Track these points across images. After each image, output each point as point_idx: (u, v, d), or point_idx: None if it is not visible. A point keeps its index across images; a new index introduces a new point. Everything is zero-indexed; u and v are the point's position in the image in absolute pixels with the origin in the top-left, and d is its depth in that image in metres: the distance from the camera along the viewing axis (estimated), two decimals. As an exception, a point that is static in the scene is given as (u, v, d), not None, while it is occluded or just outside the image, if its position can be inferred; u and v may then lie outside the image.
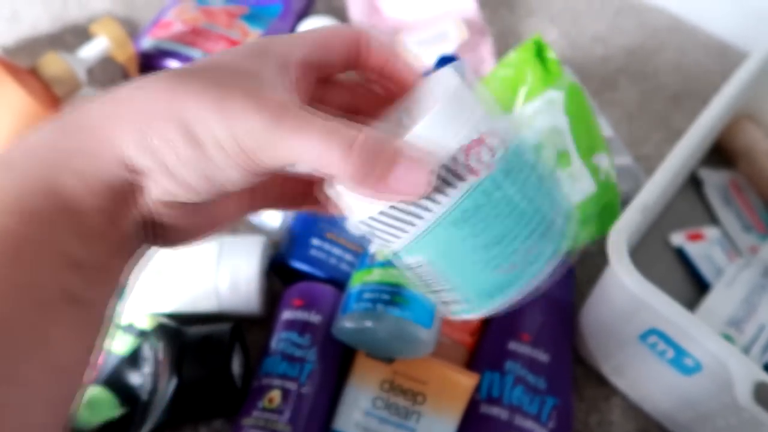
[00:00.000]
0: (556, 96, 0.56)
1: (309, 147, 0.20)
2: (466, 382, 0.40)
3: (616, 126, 0.68)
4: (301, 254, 0.45)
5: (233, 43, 0.56)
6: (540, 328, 0.45)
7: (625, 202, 0.56)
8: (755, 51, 0.57)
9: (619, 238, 0.39)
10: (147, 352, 0.39)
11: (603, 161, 0.50)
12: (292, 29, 0.61)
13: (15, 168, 0.20)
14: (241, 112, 0.20)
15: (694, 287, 0.54)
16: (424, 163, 0.21)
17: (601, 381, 0.48)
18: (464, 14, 0.68)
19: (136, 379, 0.39)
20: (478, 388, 0.42)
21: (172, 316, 0.42)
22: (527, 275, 0.24)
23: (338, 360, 0.42)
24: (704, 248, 0.57)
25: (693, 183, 0.62)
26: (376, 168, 0.20)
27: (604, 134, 0.60)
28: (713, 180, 0.62)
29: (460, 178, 0.22)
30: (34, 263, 0.19)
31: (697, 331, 0.37)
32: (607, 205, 0.49)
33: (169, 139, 0.20)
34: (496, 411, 0.41)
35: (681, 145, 0.46)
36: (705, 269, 0.54)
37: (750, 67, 0.55)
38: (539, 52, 0.56)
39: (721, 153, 0.64)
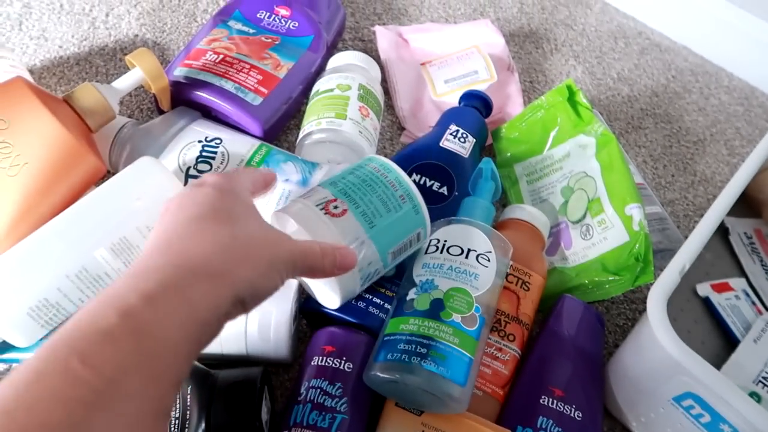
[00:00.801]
0: (587, 141, 0.56)
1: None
2: (499, 438, 0.40)
3: (641, 168, 0.67)
4: (331, 297, 0.45)
5: (265, 74, 0.56)
6: (571, 382, 0.44)
7: (655, 251, 0.56)
8: None
9: (658, 299, 0.39)
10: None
11: (636, 212, 0.49)
12: (325, 60, 0.61)
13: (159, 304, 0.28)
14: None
15: (720, 338, 0.54)
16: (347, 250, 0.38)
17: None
18: (492, 50, 0.68)
19: (163, 423, 0.38)
20: (510, 446, 0.41)
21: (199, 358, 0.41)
22: None
23: (369, 409, 0.41)
24: (731, 300, 0.56)
25: (719, 230, 0.62)
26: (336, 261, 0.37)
27: (636, 181, 0.60)
28: (739, 228, 0.62)
29: None
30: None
31: (735, 398, 0.36)
32: (640, 256, 0.48)
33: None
34: (526, 468, 0.40)
35: (718, 203, 0.45)
36: (731, 322, 0.54)
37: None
38: (571, 96, 0.56)
39: (746, 201, 0.64)
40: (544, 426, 0.41)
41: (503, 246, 0.46)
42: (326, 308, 0.44)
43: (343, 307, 0.44)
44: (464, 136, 0.56)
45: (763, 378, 0.49)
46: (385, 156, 0.61)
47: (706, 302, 0.56)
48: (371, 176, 0.43)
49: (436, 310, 0.41)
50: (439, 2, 0.78)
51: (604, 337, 0.49)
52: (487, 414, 0.42)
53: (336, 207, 0.41)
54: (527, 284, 0.48)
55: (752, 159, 0.51)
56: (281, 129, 0.59)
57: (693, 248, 0.42)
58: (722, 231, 0.62)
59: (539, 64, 0.75)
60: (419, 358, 0.38)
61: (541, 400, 0.43)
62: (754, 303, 0.56)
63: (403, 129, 0.64)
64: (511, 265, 0.49)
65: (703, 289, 0.56)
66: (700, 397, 0.38)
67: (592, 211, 0.53)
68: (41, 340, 0.41)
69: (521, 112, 0.60)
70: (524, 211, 0.53)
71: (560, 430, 0.41)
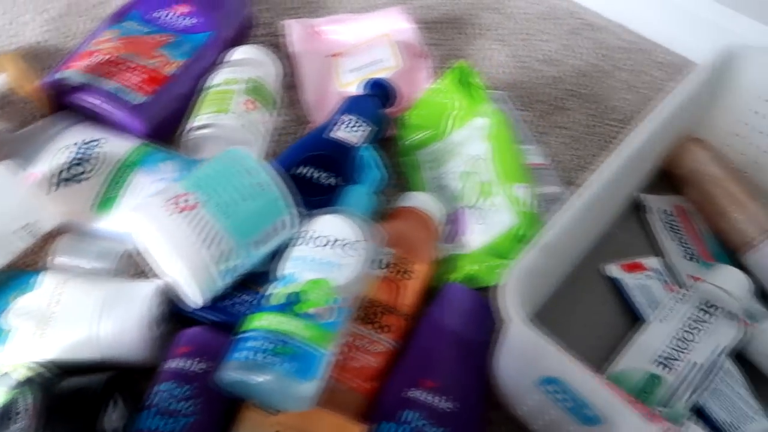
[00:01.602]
0: (482, 123, 0.54)
1: None
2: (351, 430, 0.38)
3: (562, 150, 0.65)
4: (198, 296, 0.43)
5: (151, 72, 0.55)
6: (447, 372, 0.42)
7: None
8: (698, 68, 0.54)
9: (513, 282, 0.37)
10: (20, 405, 0.38)
11: (522, 192, 0.47)
12: (224, 57, 0.60)
13: None
14: None
15: (629, 320, 0.51)
16: None
17: (518, 426, 0.45)
18: (401, 37, 0.66)
19: (7, 434, 0.37)
20: (371, 441, 0.39)
21: (54, 365, 0.40)
22: None
23: (223, 412, 0.40)
24: (641, 279, 0.54)
25: (635, 209, 0.59)
26: None
27: (536, 161, 0.58)
28: (656, 205, 0.59)
29: None
30: None
31: (587, 384, 0.34)
32: (525, 238, 0.46)
33: None
34: (389, 465, 0.38)
35: (592, 179, 0.43)
36: (639, 302, 0.52)
37: (691, 84, 0.52)
38: (464, 77, 0.55)
39: (667, 179, 0.62)
40: (408, 419, 0.40)
41: (376, 234, 0.44)
42: (192, 309, 0.43)
43: (209, 306, 0.43)
44: (358, 125, 0.55)
45: (663, 358, 0.47)
46: (277, 151, 0.59)
47: (615, 283, 0.53)
48: (227, 168, 0.42)
49: (291, 304, 0.39)
50: (358, -8, 0.76)
51: (493, 322, 0.47)
52: (351, 408, 0.40)
53: (186, 200, 0.40)
54: (409, 273, 0.46)
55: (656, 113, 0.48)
56: (176, 128, 0.58)
57: (561, 224, 0.40)
58: (639, 210, 0.59)
59: (460, 50, 0.73)
60: (266, 356, 0.37)
61: (409, 394, 0.41)
62: (666, 282, 0.54)
63: (308, 123, 0.62)
64: (393, 254, 0.47)
65: (612, 269, 0.54)
66: (562, 381, 0.36)
67: (485, 195, 0.51)
68: None
69: (420, 98, 0.58)
70: (413, 199, 0.51)
71: (428, 422, 0.40)
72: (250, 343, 0.38)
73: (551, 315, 0.46)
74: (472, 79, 0.54)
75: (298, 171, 0.52)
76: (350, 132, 0.54)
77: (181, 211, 0.39)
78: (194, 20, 0.61)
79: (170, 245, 0.39)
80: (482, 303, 0.46)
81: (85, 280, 0.43)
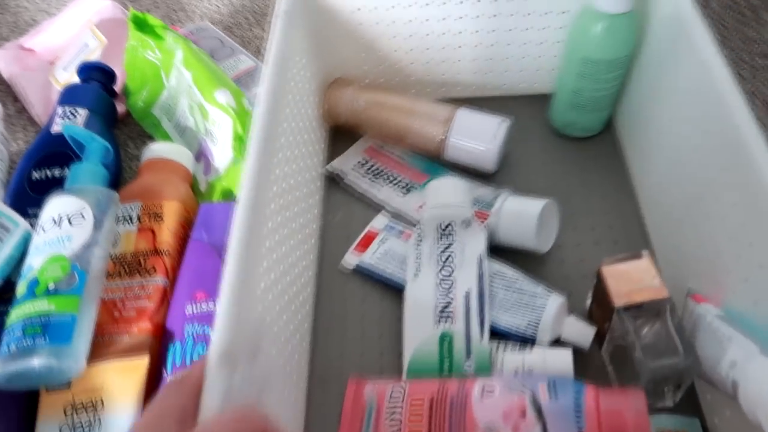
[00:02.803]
0: (179, 56, 0.56)
1: None
2: (134, 365, 0.41)
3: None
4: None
5: None
6: (214, 280, 0.45)
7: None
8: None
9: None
10: None
11: (222, 96, 0.50)
12: None
13: None
14: None
15: (394, 294, 0.47)
16: None
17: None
18: (103, 15, 0.66)
19: None
20: (164, 365, 0.42)
21: None
22: None
23: (20, 409, 0.41)
24: (378, 247, 0.49)
25: (334, 184, 0.54)
26: None
27: (246, 66, 0.60)
28: (348, 165, 0.54)
29: None
30: None
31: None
32: (243, 134, 0.49)
33: None
34: (186, 377, 0.41)
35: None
36: (389, 273, 0.47)
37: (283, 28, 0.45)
38: (142, 25, 0.56)
39: (345, 133, 0.57)
40: (191, 332, 0.42)
41: (105, 197, 0.46)
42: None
43: None
44: (73, 111, 0.55)
45: (439, 312, 0.43)
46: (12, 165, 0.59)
47: (360, 270, 0.49)
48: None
49: (32, 289, 0.41)
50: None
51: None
52: (144, 350, 0.43)
53: None
54: (159, 215, 0.49)
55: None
56: None
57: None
58: (339, 182, 0.54)
59: (178, 3, 0.74)
60: (24, 341, 0.39)
61: (185, 311, 0.44)
62: (402, 231, 0.50)
63: (49, 133, 0.63)
64: (141, 206, 0.49)
65: (348, 259, 0.49)
66: None
67: (204, 116, 0.53)
68: None
69: (126, 61, 0.59)
70: (148, 150, 0.53)
71: (206, 326, 0.42)
72: (6, 339, 0.40)
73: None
74: (150, 21, 0.55)
75: (34, 177, 0.53)
76: (71, 121, 0.55)
77: None
78: None
79: None
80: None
81: None
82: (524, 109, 0.58)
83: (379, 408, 0.38)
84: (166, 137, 0.58)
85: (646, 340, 0.37)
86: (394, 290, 0.47)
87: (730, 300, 0.36)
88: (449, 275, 0.44)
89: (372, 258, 0.49)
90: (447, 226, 0.46)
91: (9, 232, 0.44)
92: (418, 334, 0.43)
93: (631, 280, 0.39)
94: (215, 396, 0.28)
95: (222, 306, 0.31)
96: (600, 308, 0.42)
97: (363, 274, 0.49)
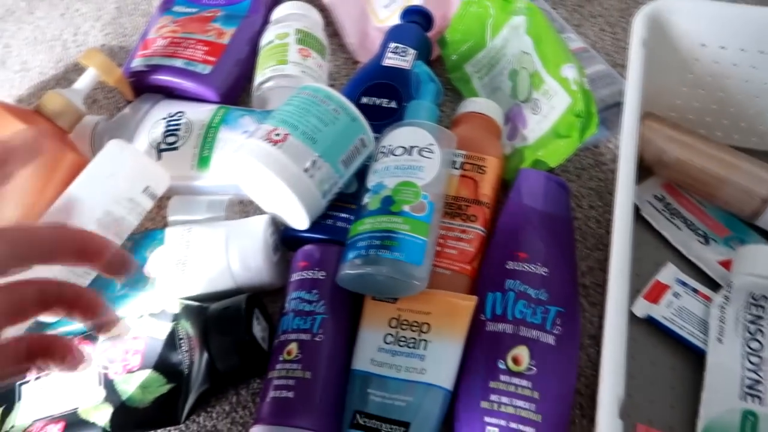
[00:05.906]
0: (518, 21, 0.57)
1: None
2: (465, 304, 0.43)
3: (600, 36, 0.67)
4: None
5: (210, 44, 0.60)
6: (533, 244, 0.46)
7: (607, 107, 0.57)
8: (633, 37, 0.48)
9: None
10: (181, 332, 0.44)
11: (569, 72, 0.51)
12: (265, 21, 0.64)
13: None
14: None
15: (688, 355, 0.46)
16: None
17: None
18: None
19: (176, 357, 0.44)
20: (482, 309, 0.44)
21: (198, 299, 0.47)
22: None
23: (349, 308, 0.45)
24: (672, 302, 0.47)
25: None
26: None
27: (577, 46, 0.61)
28: (644, 196, 0.52)
29: None
30: None
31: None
32: (584, 112, 0.49)
33: None
34: (501, 327, 0.43)
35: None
36: (687, 333, 0.45)
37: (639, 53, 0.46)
38: (498, -17, 0.57)
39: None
40: (511, 287, 0.44)
41: (445, 137, 0.49)
42: (299, 231, 0.49)
43: (314, 228, 0.48)
44: (404, 50, 0.58)
45: (747, 387, 0.42)
46: (337, 89, 0.64)
47: (651, 322, 0.47)
48: (304, 100, 0.47)
49: (387, 205, 0.44)
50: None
51: (568, 198, 0.51)
52: (459, 289, 0.45)
53: (278, 134, 0.45)
54: (482, 168, 0.51)
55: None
56: (241, 89, 0.63)
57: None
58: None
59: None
60: (376, 250, 0.42)
61: (506, 266, 0.45)
62: (696, 290, 0.48)
63: (356, 63, 0.67)
64: (465, 155, 0.51)
65: (639, 307, 0.47)
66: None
67: (536, 85, 0.54)
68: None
69: (455, 14, 0.61)
70: (471, 103, 0.55)
71: (527, 287, 0.44)
72: (360, 244, 0.43)
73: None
74: (502, -18, 0.57)
75: (361, 102, 0.56)
76: (400, 58, 0.58)
77: (274, 144, 0.45)
78: (233, -7, 0.66)
79: (274, 175, 0.44)
80: (556, 181, 0.50)
81: (205, 226, 0.49)
82: None
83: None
84: (473, 94, 0.60)
85: None
86: (685, 346, 0.46)
87: None
88: (758, 350, 0.43)
89: (666, 312, 0.47)
90: (761, 297, 0.44)
91: (366, 146, 0.48)
92: (718, 402, 0.42)
93: None
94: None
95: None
96: None
97: (654, 326, 0.47)
